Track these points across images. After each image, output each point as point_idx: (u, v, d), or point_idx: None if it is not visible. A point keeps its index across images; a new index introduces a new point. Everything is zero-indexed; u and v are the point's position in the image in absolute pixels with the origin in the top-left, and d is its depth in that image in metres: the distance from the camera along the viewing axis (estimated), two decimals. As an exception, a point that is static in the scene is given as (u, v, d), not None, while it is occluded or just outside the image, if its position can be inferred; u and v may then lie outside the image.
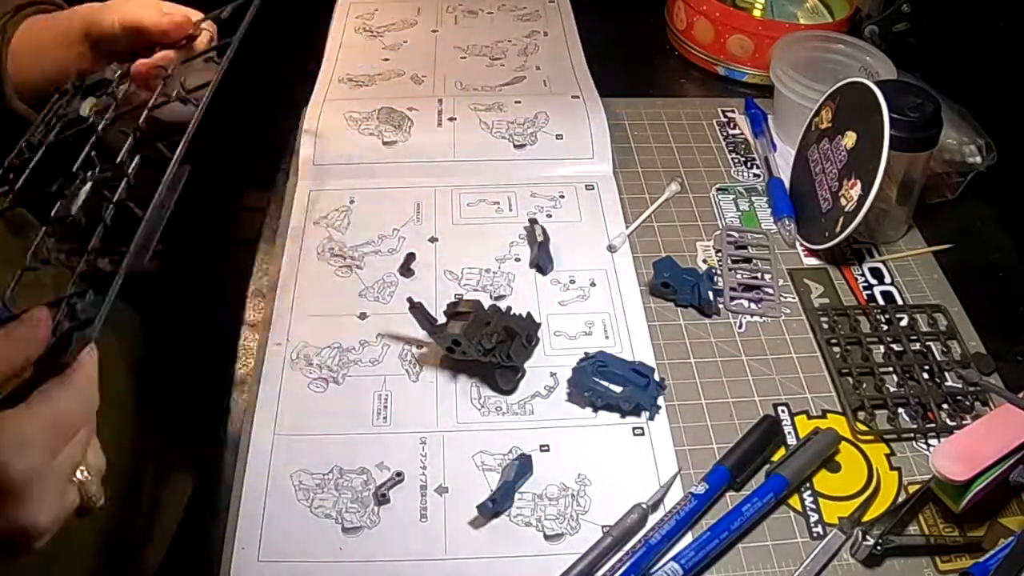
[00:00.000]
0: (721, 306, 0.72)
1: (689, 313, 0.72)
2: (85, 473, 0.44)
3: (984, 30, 0.89)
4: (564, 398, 0.65)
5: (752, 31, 0.94)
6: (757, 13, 0.98)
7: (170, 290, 0.88)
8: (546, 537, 0.57)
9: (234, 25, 0.63)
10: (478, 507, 0.58)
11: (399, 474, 0.59)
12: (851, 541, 0.57)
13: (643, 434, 0.63)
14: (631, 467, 0.61)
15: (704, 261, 0.76)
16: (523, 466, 0.60)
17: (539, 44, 0.99)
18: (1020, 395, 0.59)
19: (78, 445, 0.43)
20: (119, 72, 0.65)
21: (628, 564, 0.54)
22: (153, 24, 0.66)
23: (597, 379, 0.64)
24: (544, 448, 0.62)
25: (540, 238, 0.75)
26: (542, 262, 0.74)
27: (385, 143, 0.83)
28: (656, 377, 0.65)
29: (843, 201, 0.74)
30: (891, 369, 0.68)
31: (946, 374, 0.68)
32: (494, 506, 0.58)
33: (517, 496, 0.59)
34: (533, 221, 0.77)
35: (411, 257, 0.74)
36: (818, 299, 0.74)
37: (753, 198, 0.83)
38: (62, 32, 0.67)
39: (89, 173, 0.53)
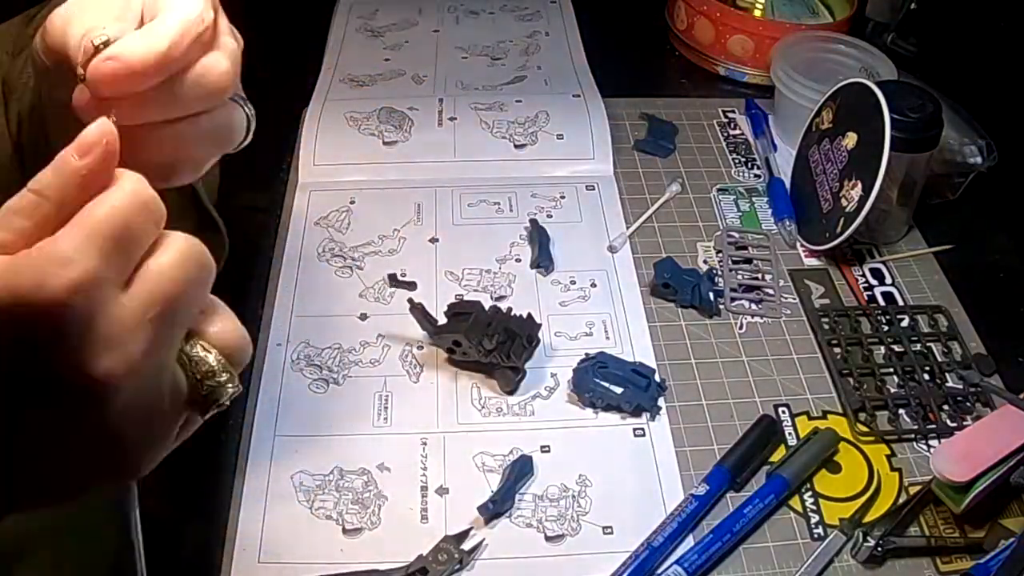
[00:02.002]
0: (722, 307, 0.72)
1: (690, 314, 0.72)
2: (204, 348, 0.35)
3: (984, 30, 0.89)
4: (565, 399, 0.65)
5: (753, 31, 0.94)
6: (758, 13, 0.98)
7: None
8: (547, 538, 0.57)
9: None
10: (479, 508, 0.58)
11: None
12: (852, 542, 0.57)
13: (644, 435, 0.63)
14: (632, 468, 0.61)
15: (705, 262, 0.76)
16: (524, 467, 0.60)
17: (540, 44, 0.99)
18: (1021, 396, 0.59)
19: (158, 280, 0.32)
20: None
21: (632, 567, 0.54)
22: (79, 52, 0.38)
23: (598, 380, 0.64)
24: (545, 449, 0.62)
25: (539, 238, 0.75)
26: (543, 262, 0.74)
27: (386, 143, 0.83)
28: (657, 378, 0.65)
29: (844, 202, 0.74)
30: (892, 370, 0.68)
31: (947, 375, 0.68)
32: (494, 507, 0.57)
33: (517, 497, 0.59)
34: (533, 222, 0.77)
35: (392, 278, 0.73)
36: (819, 300, 0.74)
37: (754, 199, 0.83)
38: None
39: None
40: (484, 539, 0.57)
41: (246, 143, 0.42)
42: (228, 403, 0.36)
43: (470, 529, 0.57)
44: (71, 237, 0.31)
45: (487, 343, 0.63)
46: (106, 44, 0.35)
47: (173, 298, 0.33)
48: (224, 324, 0.36)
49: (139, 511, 0.38)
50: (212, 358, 0.35)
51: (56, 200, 0.32)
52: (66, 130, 0.37)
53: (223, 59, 0.39)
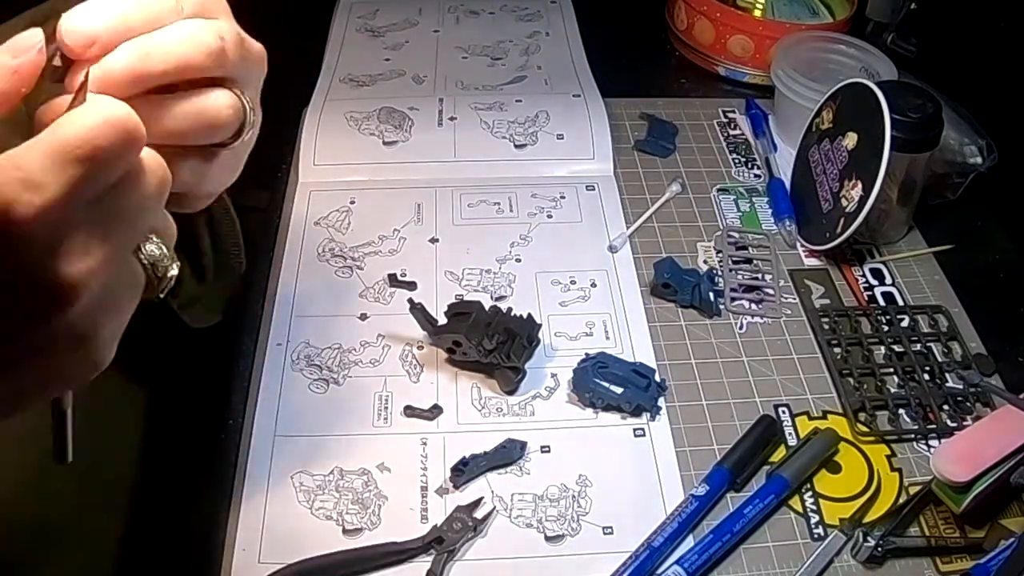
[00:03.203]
0: (722, 307, 0.72)
1: (690, 314, 0.72)
2: (151, 240, 0.37)
3: (984, 30, 0.88)
4: (565, 399, 0.65)
5: (753, 31, 0.94)
6: (758, 13, 0.98)
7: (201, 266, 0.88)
8: (547, 538, 0.57)
9: None
10: (452, 468, 0.59)
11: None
12: (852, 542, 0.57)
13: (644, 435, 0.63)
14: (632, 468, 0.61)
15: (705, 262, 0.76)
16: (510, 451, 0.60)
17: (540, 44, 0.99)
18: (1021, 396, 0.59)
19: (126, 189, 0.34)
20: None
21: (632, 567, 0.54)
22: None
23: (598, 380, 0.64)
24: (545, 449, 0.62)
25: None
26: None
27: (386, 143, 0.83)
28: (657, 378, 0.65)
29: (844, 202, 0.74)
30: (892, 370, 0.68)
31: (947, 375, 0.68)
32: (465, 470, 0.59)
33: (518, 497, 0.59)
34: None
35: (392, 278, 0.73)
36: (819, 300, 0.74)
37: (754, 199, 0.83)
38: None
39: None
40: (495, 507, 0.58)
41: (243, 139, 0.43)
42: (173, 283, 0.39)
43: (481, 498, 0.58)
44: (38, 157, 0.32)
45: (487, 343, 0.63)
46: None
47: (137, 218, 0.35)
48: (166, 220, 0.39)
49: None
50: (157, 249, 0.38)
51: None
52: None
53: (226, 97, 0.40)
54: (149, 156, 0.35)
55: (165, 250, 0.39)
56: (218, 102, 0.40)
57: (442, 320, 0.66)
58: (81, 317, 0.34)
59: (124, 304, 0.37)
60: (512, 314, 0.67)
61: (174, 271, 0.39)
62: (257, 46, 0.42)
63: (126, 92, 0.36)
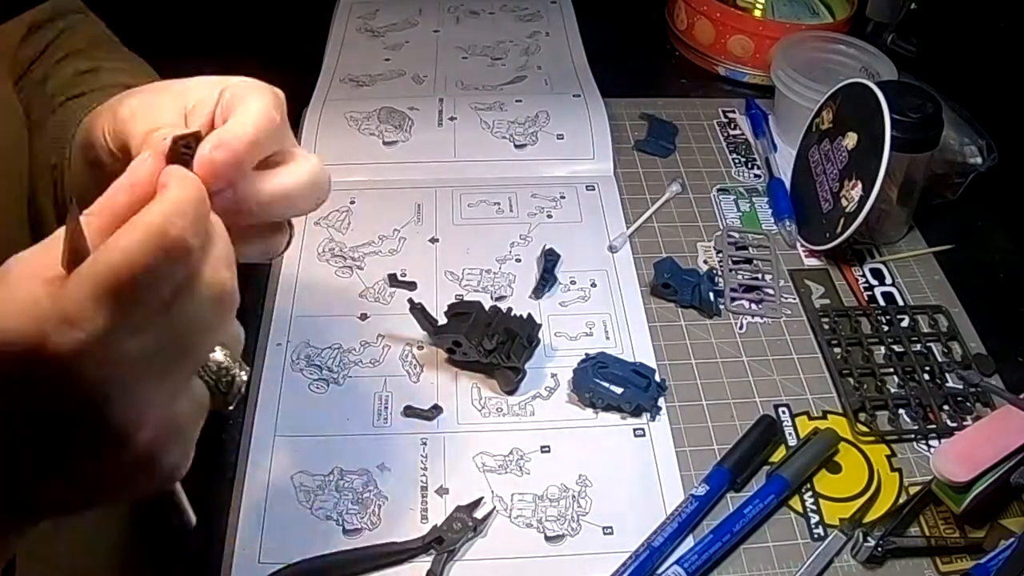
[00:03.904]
0: (722, 307, 0.72)
1: (690, 314, 0.72)
2: (221, 354, 0.35)
3: (984, 30, 0.88)
4: (565, 399, 0.65)
5: (753, 31, 0.94)
6: (758, 13, 0.98)
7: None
8: (547, 538, 0.57)
9: None
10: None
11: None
12: (852, 542, 0.57)
13: (644, 435, 0.63)
14: (632, 468, 0.61)
15: (705, 262, 0.76)
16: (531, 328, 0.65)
17: (540, 44, 0.99)
18: (1021, 396, 0.59)
19: (185, 326, 0.32)
20: None
21: (632, 567, 0.54)
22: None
23: (598, 380, 0.64)
24: (545, 449, 0.62)
25: (546, 264, 0.73)
26: (540, 292, 0.72)
27: (386, 143, 0.83)
28: (657, 378, 0.65)
29: (844, 202, 0.74)
30: (892, 370, 0.68)
31: (947, 375, 0.68)
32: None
33: (518, 497, 0.59)
34: (550, 252, 0.75)
35: (392, 278, 0.73)
36: (819, 300, 0.74)
37: (754, 199, 0.83)
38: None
39: None
40: (495, 507, 0.58)
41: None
42: (244, 389, 0.38)
43: (481, 498, 0.58)
44: (79, 289, 0.30)
45: (487, 343, 0.63)
46: (182, 139, 0.36)
47: (199, 338, 0.33)
48: (236, 328, 0.37)
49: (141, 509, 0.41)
50: (222, 357, 0.36)
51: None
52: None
53: (302, 171, 0.41)
54: (218, 287, 0.34)
55: (230, 360, 0.36)
56: (280, 238, 0.42)
57: (442, 320, 0.66)
58: (142, 453, 0.32)
59: (189, 429, 0.35)
60: (512, 314, 0.67)
61: (243, 379, 0.37)
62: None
63: (220, 185, 0.36)
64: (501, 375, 0.65)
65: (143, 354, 0.31)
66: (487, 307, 0.66)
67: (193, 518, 0.39)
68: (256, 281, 0.73)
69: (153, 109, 0.41)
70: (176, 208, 0.32)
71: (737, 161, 0.87)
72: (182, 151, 0.35)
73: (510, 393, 0.65)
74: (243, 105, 0.38)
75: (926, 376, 0.68)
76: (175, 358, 0.32)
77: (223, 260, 0.34)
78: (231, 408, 0.37)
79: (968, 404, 0.66)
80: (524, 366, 0.66)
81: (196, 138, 0.36)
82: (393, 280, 0.73)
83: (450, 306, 0.66)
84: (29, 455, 0.32)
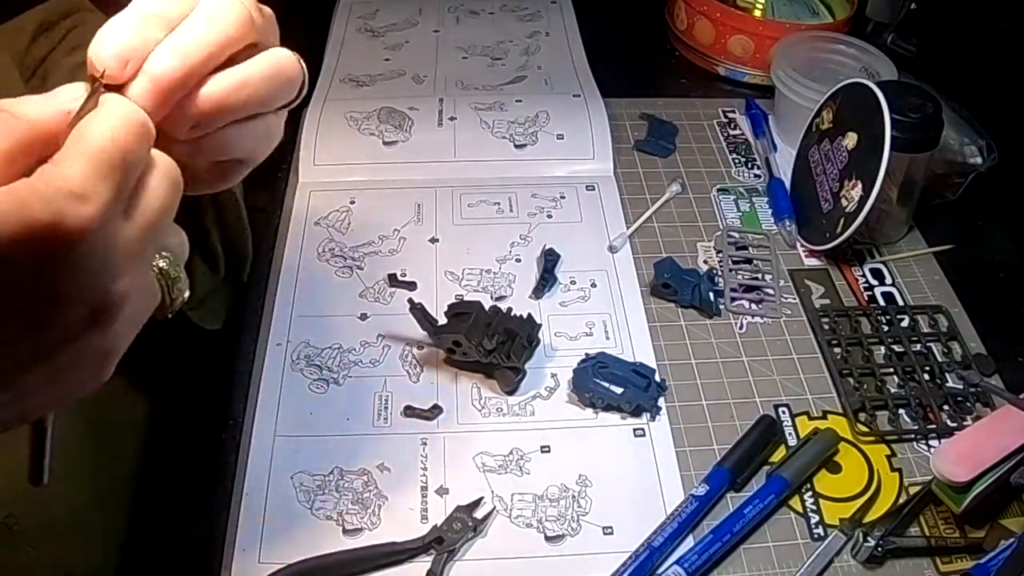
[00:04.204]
0: (722, 307, 0.72)
1: (690, 314, 0.72)
2: (165, 258, 0.37)
3: (984, 30, 0.88)
4: (565, 399, 0.65)
5: (753, 31, 0.94)
6: (758, 13, 0.98)
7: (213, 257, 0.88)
8: (547, 538, 0.57)
9: None
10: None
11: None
12: (852, 542, 0.57)
13: (644, 435, 0.63)
14: (632, 468, 0.61)
15: (705, 262, 0.76)
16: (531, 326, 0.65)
17: (540, 44, 0.99)
18: (1021, 396, 0.59)
19: (153, 207, 0.34)
20: None
21: (632, 567, 0.54)
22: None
23: (598, 380, 0.64)
24: (545, 449, 0.62)
25: (546, 264, 0.74)
26: (540, 292, 0.72)
27: (386, 143, 0.83)
28: (657, 378, 0.65)
29: (844, 202, 0.74)
30: (892, 370, 0.68)
31: (947, 375, 0.68)
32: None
33: (518, 497, 0.59)
34: (550, 252, 0.75)
35: (392, 278, 0.73)
36: (819, 300, 0.74)
37: (754, 199, 0.83)
38: None
39: None
40: (495, 507, 0.58)
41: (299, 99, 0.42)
42: (181, 301, 0.39)
43: (481, 498, 0.58)
44: (79, 167, 0.31)
45: (487, 343, 0.63)
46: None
47: (163, 223, 0.35)
48: (179, 236, 0.39)
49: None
50: (172, 267, 0.38)
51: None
52: None
53: (286, 52, 0.40)
54: (170, 165, 0.35)
55: (176, 267, 0.38)
56: (285, 58, 0.40)
57: (442, 320, 0.66)
58: (114, 334, 0.34)
59: (141, 321, 0.36)
60: (512, 314, 0.67)
61: (185, 290, 0.38)
62: (265, 7, 0.41)
63: (180, 93, 0.35)
64: (501, 375, 0.65)
65: (127, 232, 0.33)
66: (487, 307, 0.66)
67: (46, 478, 0.39)
68: (256, 281, 0.73)
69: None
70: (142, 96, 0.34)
71: (737, 161, 0.87)
72: None
73: (510, 393, 0.65)
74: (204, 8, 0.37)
75: (926, 376, 0.68)
76: (149, 238, 0.34)
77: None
78: (169, 316, 0.38)
79: (968, 404, 0.66)
80: (524, 366, 0.66)
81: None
82: (393, 280, 0.73)
83: (450, 306, 0.66)
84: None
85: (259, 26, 0.38)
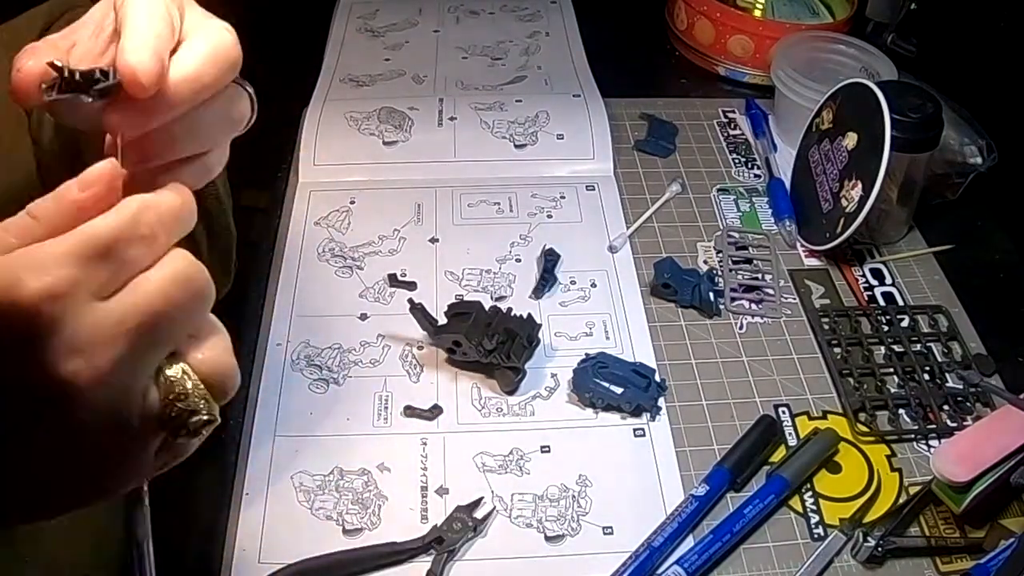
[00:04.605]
0: (722, 307, 0.72)
1: (690, 314, 0.72)
2: (184, 371, 0.33)
3: (984, 30, 0.88)
4: (565, 399, 0.65)
5: (753, 31, 0.94)
6: (758, 13, 0.98)
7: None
8: (547, 538, 0.57)
9: None
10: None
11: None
12: (852, 542, 0.57)
13: (644, 435, 0.63)
14: (632, 468, 0.61)
15: (705, 262, 0.76)
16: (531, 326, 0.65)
17: (540, 44, 0.99)
18: (1021, 396, 0.59)
19: (144, 297, 0.32)
20: None
21: (632, 567, 0.54)
22: None
23: (597, 380, 0.64)
24: (545, 449, 0.62)
25: (546, 264, 0.73)
26: (540, 292, 0.72)
27: (386, 143, 0.83)
28: (657, 378, 0.65)
29: (844, 202, 0.74)
30: (892, 370, 0.68)
31: (947, 375, 0.68)
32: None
33: (518, 497, 0.59)
34: (550, 252, 0.75)
35: (392, 278, 0.73)
36: (819, 300, 0.74)
37: (754, 199, 0.83)
38: None
39: None
40: (495, 507, 0.58)
41: (251, 122, 0.42)
42: (204, 433, 0.34)
43: (481, 498, 0.58)
44: (54, 245, 0.31)
45: (487, 343, 0.63)
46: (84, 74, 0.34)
47: (156, 315, 0.32)
48: (213, 352, 0.35)
49: (149, 522, 0.38)
50: (189, 382, 0.33)
51: (48, 225, 0.32)
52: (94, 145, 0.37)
53: (239, 91, 0.39)
54: (186, 262, 0.33)
55: (192, 385, 0.33)
56: (234, 100, 0.39)
57: (442, 320, 0.66)
58: (76, 425, 0.32)
59: (129, 431, 0.33)
60: (512, 314, 0.67)
61: (204, 418, 0.33)
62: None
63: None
64: (501, 375, 0.65)
65: (102, 312, 0.31)
66: (487, 307, 0.66)
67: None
68: (256, 281, 0.73)
69: (62, 42, 0.40)
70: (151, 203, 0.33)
71: (737, 161, 0.87)
72: (96, 80, 0.34)
73: (510, 393, 0.65)
74: (129, 9, 0.36)
75: (926, 376, 0.68)
76: (133, 330, 0.32)
77: (189, 258, 0.34)
78: (179, 440, 0.34)
79: (968, 404, 0.66)
80: (524, 366, 0.66)
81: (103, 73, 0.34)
82: (393, 280, 0.73)
83: (450, 306, 0.66)
84: None
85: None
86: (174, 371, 0.33)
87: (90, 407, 0.32)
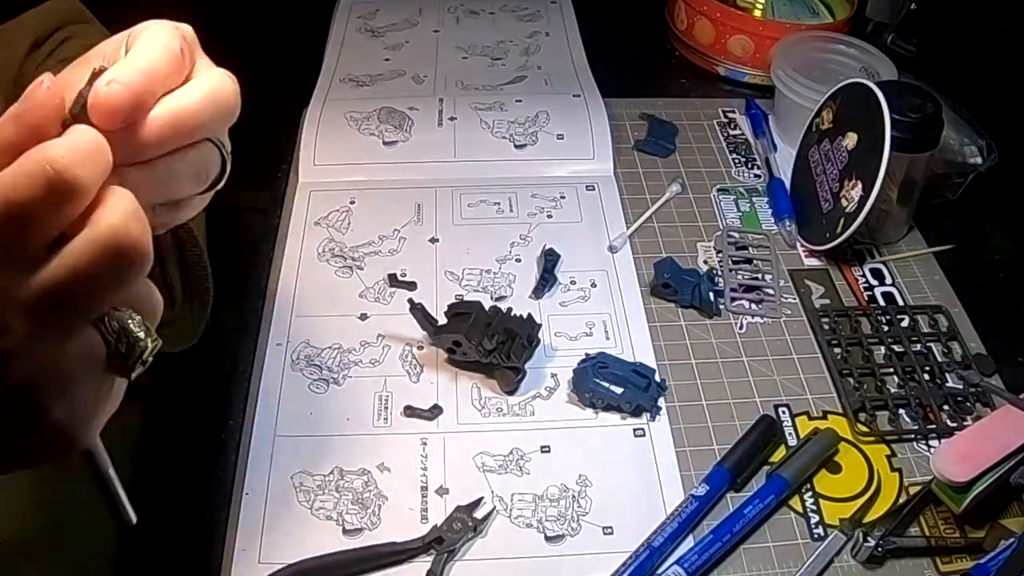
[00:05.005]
0: (722, 307, 0.72)
1: (690, 314, 0.72)
2: (128, 315, 0.34)
3: (984, 30, 0.89)
4: (565, 399, 0.65)
5: (753, 31, 0.94)
6: (758, 13, 0.98)
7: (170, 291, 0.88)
8: (547, 538, 0.57)
9: None
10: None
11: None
12: (852, 542, 0.57)
13: (644, 435, 0.63)
14: (632, 468, 0.61)
15: (705, 262, 0.76)
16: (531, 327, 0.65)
17: (540, 44, 0.99)
18: (1021, 396, 0.59)
19: (69, 263, 0.31)
20: None
21: (632, 567, 0.54)
22: None
23: (598, 380, 0.64)
24: (545, 449, 0.62)
25: (546, 264, 0.73)
26: (540, 292, 0.72)
27: (386, 143, 0.83)
28: (657, 378, 0.65)
29: (844, 202, 0.74)
30: (892, 370, 0.68)
31: (947, 375, 0.68)
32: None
33: (518, 497, 0.59)
34: (550, 252, 0.75)
35: (392, 278, 0.73)
36: (819, 300, 0.74)
37: (754, 199, 0.83)
38: None
39: None
40: (495, 507, 0.58)
41: (219, 186, 0.41)
42: (151, 359, 0.35)
43: (481, 498, 0.58)
44: None
45: (487, 343, 0.63)
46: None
47: (79, 294, 0.32)
48: (149, 297, 0.35)
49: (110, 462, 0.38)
50: (128, 318, 0.34)
51: None
52: None
53: (212, 149, 0.38)
54: (112, 232, 0.32)
55: (135, 325, 0.34)
56: (209, 157, 0.39)
57: (442, 320, 0.66)
58: (23, 388, 0.32)
59: (76, 380, 0.34)
60: (512, 314, 0.67)
61: (146, 345, 0.35)
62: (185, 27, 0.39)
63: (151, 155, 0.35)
64: (501, 375, 0.65)
65: (22, 288, 0.31)
66: (487, 307, 0.66)
67: (133, 517, 0.38)
68: (256, 281, 0.73)
69: (73, 75, 0.39)
70: (69, 144, 0.31)
71: (737, 161, 0.87)
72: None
73: (510, 393, 0.65)
74: (139, 41, 0.36)
75: (926, 376, 0.68)
76: (61, 301, 0.31)
77: (123, 210, 0.32)
78: (132, 375, 0.35)
79: (968, 404, 0.66)
80: (524, 366, 0.66)
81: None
82: (393, 280, 0.73)
83: (450, 306, 0.66)
84: None
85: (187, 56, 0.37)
86: (117, 322, 0.34)
87: (26, 368, 0.32)
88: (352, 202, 0.80)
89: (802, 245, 0.79)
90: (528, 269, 0.74)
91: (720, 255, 0.77)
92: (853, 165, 0.74)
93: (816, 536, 0.58)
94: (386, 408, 0.64)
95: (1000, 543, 0.56)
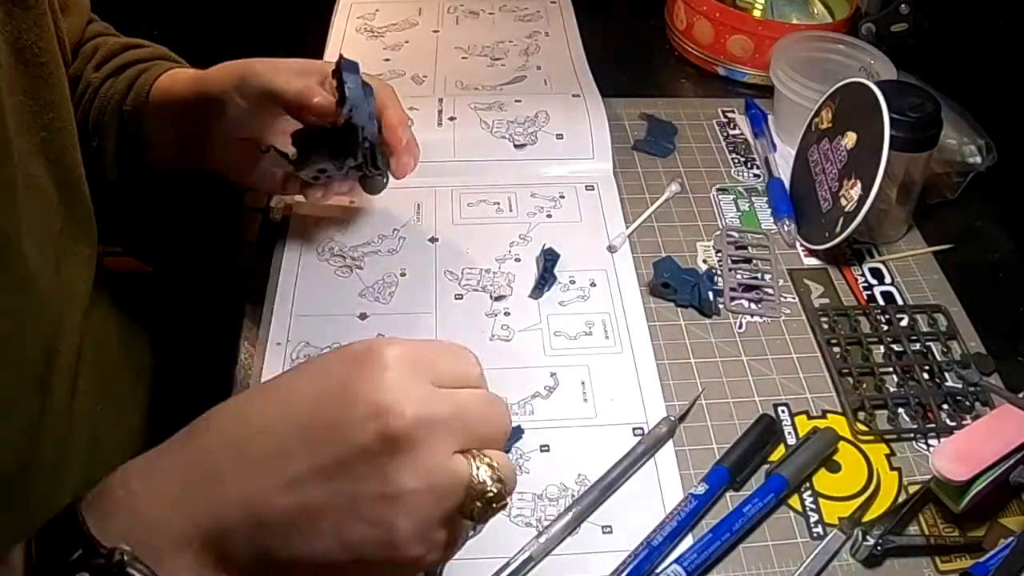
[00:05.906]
0: (721, 306, 0.72)
1: (689, 313, 0.72)
2: (487, 464, 0.40)
3: (984, 30, 0.89)
4: (564, 398, 0.65)
5: (752, 31, 0.95)
6: (757, 13, 0.98)
7: (171, 291, 0.88)
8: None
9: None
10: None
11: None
12: (851, 541, 0.57)
13: (643, 435, 0.63)
14: (631, 467, 0.61)
15: (704, 261, 0.76)
16: (515, 433, 0.62)
17: (540, 44, 0.99)
18: (1020, 395, 0.59)
19: (464, 394, 0.40)
20: None
21: (631, 566, 0.54)
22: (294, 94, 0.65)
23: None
24: (544, 448, 0.62)
25: (545, 263, 0.73)
26: (538, 293, 0.72)
27: (385, 143, 0.83)
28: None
29: (843, 201, 0.74)
30: (891, 369, 0.68)
31: (946, 374, 0.68)
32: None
33: (517, 497, 0.59)
34: (549, 252, 0.74)
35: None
36: (818, 299, 0.74)
37: (753, 198, 0.83)
38: (199, 91, 0.67)
39: None
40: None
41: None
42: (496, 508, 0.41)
43: None
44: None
45: (351, 162, 0.66)
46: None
47: (469, 410, 0.40)
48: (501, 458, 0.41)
49: None
50: (492, 482, 0.40)
51: None
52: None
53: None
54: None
55: (496, 484, 0.40)
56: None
57: (291, 152, 0.68)
58: (404, 476, 0.38)
59: (436, 503, 0.39)
60: (351, 121, 0.66)
61: (503, 503, 0.40)
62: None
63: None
64: (372, 184, 0.70)
65: (439, 416, 0.38)
66: (331, 126, 0.66)
67: None
68: (256, 281, 0.73)
69: (279, 69, 0.65)
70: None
71: (736, 161, 0.87)
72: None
73: (374, 194, 0.71)
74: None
75: (925, 375, 0.68)
76: (458, 429, 0.39)
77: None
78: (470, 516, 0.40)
79: (967, 403, 0.66)
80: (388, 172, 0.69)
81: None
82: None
83: (293, 135, 0.68)
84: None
85: None
86: (486, 470, 0.40)
87: (420, 463, 0.38)
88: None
89: (801, 244, 0.79)
90: (527, 269, 0.74)
91: (719, 255, 0.77)
92: (852, 164, 0.75)
93: (815, 535, 0.58)
94: (386, 407, 0.64)
95: (999, 542, 0.56)
